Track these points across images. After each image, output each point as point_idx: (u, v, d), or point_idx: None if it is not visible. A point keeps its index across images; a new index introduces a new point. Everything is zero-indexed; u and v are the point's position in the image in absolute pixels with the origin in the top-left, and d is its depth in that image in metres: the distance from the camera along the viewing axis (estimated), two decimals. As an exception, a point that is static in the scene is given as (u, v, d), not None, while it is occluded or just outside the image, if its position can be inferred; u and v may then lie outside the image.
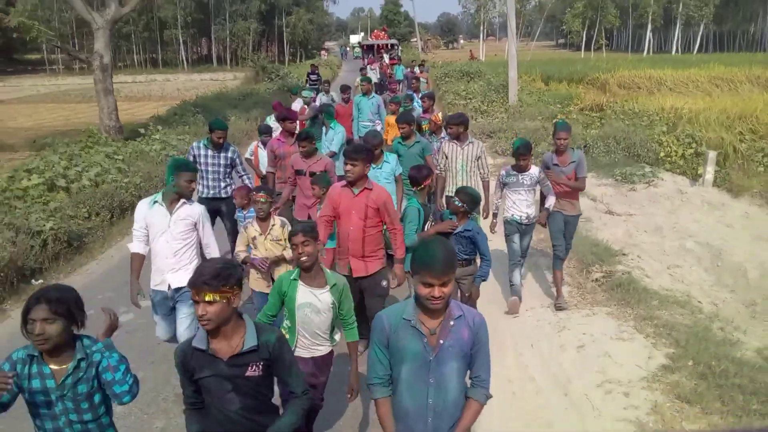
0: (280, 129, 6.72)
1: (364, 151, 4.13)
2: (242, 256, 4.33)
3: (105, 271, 6.77)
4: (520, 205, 5.36)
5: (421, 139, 6.48)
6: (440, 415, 2.29)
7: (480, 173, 5.91)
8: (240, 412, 2.36)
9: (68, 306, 2.23)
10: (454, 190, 5.49)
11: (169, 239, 3.97)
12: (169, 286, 4.02)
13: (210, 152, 5.87)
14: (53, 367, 2.25)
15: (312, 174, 5.40)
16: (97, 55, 13.29)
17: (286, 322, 3.17)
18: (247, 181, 6.01)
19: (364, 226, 4.10)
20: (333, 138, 7.34)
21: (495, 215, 5.64)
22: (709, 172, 10.19)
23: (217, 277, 2.22)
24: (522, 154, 5.21)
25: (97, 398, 2.33)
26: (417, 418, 2.30)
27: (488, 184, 5.93)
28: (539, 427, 3.94)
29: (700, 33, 55.08)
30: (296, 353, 3.12)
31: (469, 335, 2.28)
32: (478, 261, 4.54)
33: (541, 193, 5.53)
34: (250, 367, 2.34)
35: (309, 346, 3.19)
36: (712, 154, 10.22)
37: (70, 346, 2.27)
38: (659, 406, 4.00)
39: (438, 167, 5.97)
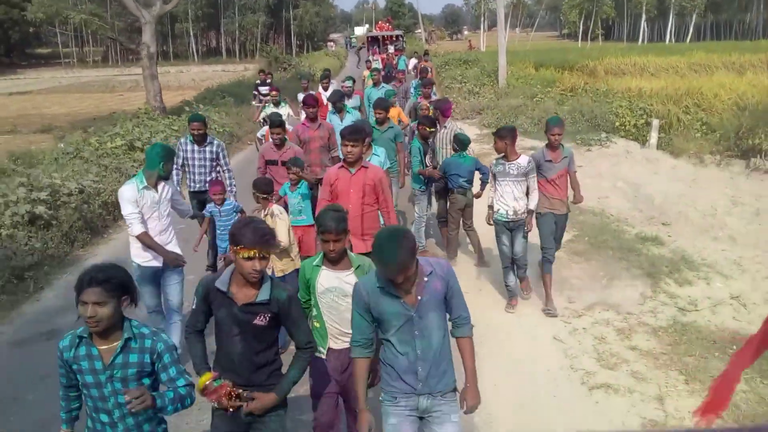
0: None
1: (361, 131, 4.39)
2: None
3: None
4: (507, 197, 5.06)
5: (394, 125, 6.96)
6: (426, 361, 2.53)
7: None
8: (243, 354, 2.57)
9: (118, 286, 2.22)
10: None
11: (159, 217, 4.27)
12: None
13: (195, 147, 5.98)
14: (101, 347, 2.27)
15: (284, 163, 5.72)
16: (144, 46, 15.72)
17: (314, 311, 3.07)
18: (227, 176, 6.08)
19: (363, 203, 4.27)
20: (353, 121, 7.43)
21: (491, 207, 5.34)
22: (653, 137, 12.51)
23: (266, 237, 2.49)
24: (499, 135, 5.05)
25: (146, 382, 2.33)
26: (407, 368, 2.54)
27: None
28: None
29: (692, 22, 57.16)
30: (330, 345, 3.06)
31: (442, 285, 2.53)
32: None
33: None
34: (258, 317, 2.55)
35: (338, 335, 3.05)
36: (656, 122, 12.55)
37: (119, 327, 2.27)
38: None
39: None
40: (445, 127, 6.55)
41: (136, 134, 11.11)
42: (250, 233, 2.44)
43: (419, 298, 2.48)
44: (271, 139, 6.01)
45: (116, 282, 2.21)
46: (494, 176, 5.18)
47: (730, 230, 7.61)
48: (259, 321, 2.56)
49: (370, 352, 2.63)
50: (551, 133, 5.06)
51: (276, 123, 5.87)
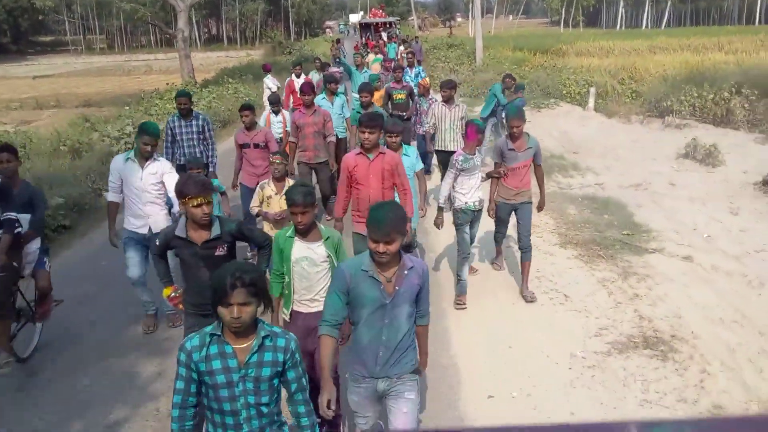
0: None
1: (379, 118, 4.59)
2: (256, 210, 4.99)
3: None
4: (473, 190, 5.08)
5: (379, 110, 6.95)
6: (389, 348, 2.73)
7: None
8: (209, 282, 2.75)
9: (258, 287, 2.25)
10: (441, 145, 7.11)
11: (142, 190, 4.53)
12: (150, 229, 4.55)
13: (183, 122, 6.19)
14: (235, 346, 2.27)
15: (257, 145, 6.04)
16: (179, 30, 18.95)
17: (285, 278, 3.35)
18: (210, 149, 6.28)
19: (383, 188, 4.49)
20: (341, 104, 7.81)
21: (442, 209, 5.21)
22: (591, 101, 15.88)
23: (206, 185, 3.16)
24: (473, 131, 4.95)
25: (276, 382, 2.34)
26: (369, 351, 2.74)
27: None
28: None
29: (667, 9, 60.62)
30: (295, 308, 3.36)
31: (419, 282, 2.74)
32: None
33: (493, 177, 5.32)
34: (217, 249, 3.23)
35: (307, 300, 3.34)
36: (592, 90, 15.93)
37: (252, 327, 2.29)
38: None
39: (427, 124, 7.28)
40: (457, 105, 7.11)
41: (187, 98, 14.40)
42: (193, 185, 3.08)
43: (397, 288, 2.65)
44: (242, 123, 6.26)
45: (260, 285, 2.24)
46: (461, 172, 5.02)
47: (617, 155, 10.97)
48: (219, 252, 3.25)
49: (337, 333, 2.74)
50: (510, 125, 5.03)
51: (245, 106, 6.27)
